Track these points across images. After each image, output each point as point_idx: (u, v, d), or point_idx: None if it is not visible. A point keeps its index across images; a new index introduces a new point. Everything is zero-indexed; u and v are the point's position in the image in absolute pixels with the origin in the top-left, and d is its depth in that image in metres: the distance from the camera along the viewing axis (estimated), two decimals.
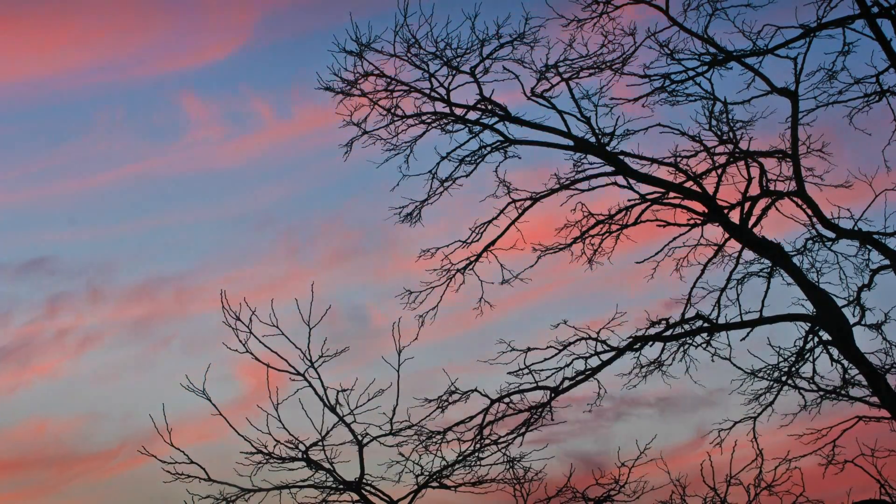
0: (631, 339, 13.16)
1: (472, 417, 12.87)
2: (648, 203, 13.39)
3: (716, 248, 13.64)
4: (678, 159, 13.34)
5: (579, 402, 13.06)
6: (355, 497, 11.66)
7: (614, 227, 13.57)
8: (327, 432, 11.53)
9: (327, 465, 11.60)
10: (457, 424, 12.80)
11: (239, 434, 11.31)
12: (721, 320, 13.41)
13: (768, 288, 13.53)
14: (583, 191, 13.46)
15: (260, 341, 11.42)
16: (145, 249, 22.64)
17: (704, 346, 13.32)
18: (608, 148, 13.22)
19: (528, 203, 13.52)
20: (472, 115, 13.42)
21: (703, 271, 13.64)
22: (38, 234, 23.91)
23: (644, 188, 13.34)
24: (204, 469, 11.36)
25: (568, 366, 13.01)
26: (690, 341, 13.31)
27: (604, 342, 13.06)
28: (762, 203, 13.24)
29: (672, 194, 13.27)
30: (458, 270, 13.68)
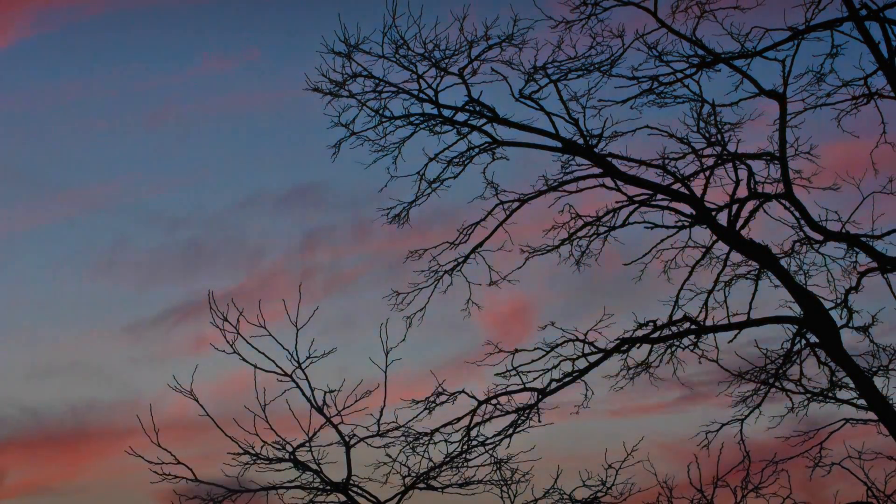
0: (618, 341, 13.16)
1: (459, 419, 12.87)
2: (636, 205, 13.40)
3: (703, 250, 13.66)
4: (666, 161, 13.35)
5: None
6: (342, 498, 11.64)
7: (602, 229, 13.60)
8: (314, 433, 11.50)
9: (314, 466, 11.56)
10: (444, 426, 12.79)
11: (226, 434, 11.27)
12: (708, 322, 13.43)
13: (756, 290, 13.55)
14: (570, 192, 13.46)
15: (247, 341, 11.39)
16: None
17: (692, 347, 13.34)
18: (596, 150, 13.21)
19: (515, 204, 13.52)
20: (461, 117, 13.40)
21: (690, 273, 13.65)
22: (309, 157, 20.79)
23: (632, 190, 13.35)
24: (191, 469, 11.32)
25: (555, 367, 13.02)
26: (678, 343, 13.32)
27: (591, 344, 13.06)
28: (750, 205, 13.26)
29: (660, 196, 13.28)
30: (445, 272, 13.69)
